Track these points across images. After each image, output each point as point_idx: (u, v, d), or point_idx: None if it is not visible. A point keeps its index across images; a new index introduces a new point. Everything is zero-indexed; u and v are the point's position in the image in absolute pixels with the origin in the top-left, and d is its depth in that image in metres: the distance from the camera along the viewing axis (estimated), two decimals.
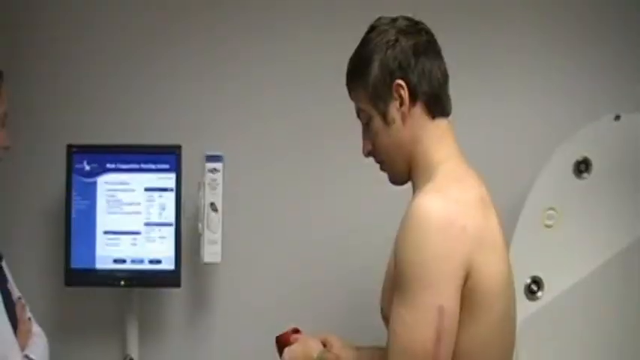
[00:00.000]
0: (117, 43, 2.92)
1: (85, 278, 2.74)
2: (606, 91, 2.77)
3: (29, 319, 2.13)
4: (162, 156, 2.76)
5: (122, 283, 2.73)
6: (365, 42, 1.81)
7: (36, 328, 2.13)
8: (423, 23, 1.82)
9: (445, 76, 1.81)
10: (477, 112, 2.79)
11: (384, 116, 1.76)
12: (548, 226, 2.47)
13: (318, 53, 2.82)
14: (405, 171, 1.78)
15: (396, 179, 1.81)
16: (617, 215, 2.45)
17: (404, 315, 1.58)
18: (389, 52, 1.75)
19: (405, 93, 1.73)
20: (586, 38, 2.83)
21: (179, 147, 2.75)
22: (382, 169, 1.85)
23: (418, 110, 1.75)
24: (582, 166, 2.48)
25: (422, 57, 1.76)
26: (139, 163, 2.75)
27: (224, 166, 2.74)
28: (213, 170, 2.73)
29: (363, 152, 1.84)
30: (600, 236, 2.45)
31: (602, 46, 2.81)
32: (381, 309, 1.85)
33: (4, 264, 2.12)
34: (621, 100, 2.70)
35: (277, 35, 2.90)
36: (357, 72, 1.80)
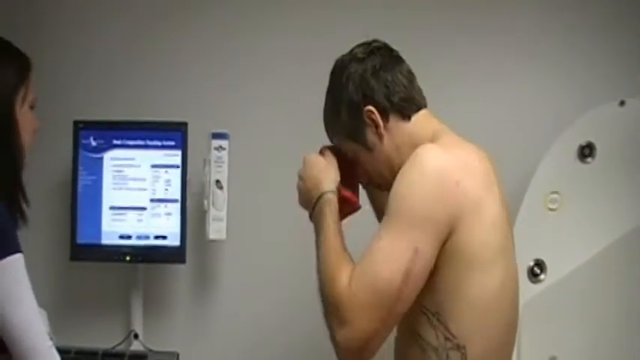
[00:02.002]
0: (125, 21, 2.92)
1: (91, 253, 2.76)
2: (612, 76, 2.77)
3: None
4: (169, 133, 2.76)
5: (127, 258, 2.75)
6: (330, 87, 1.96)
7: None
8: (376, 41, 1.91)
9: (410, 75, 1.89)
10: (482, 96, 2.80)
11: (365, 144, 1.84)
12: (551, 210, 2.48)
13: (327, 32, 2.82)
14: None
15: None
16: (621, 200, 2.46)
17: (384, 238, 1.65)
18: (350, 86, 1.86)
19: (376, 116, 1.82)
20: (592, 24, 2.82)
21: (185, 124, 2.76)
22: (378, 184, 1.93)
23: (393, 122, 1.83)
24: (586, 151, 2.49)
25: (381, 73, 1.84)
26: (145, 139, 2.76)
27: (230, 144, 2.75)
28: (219, 148, 2.74)
29: (363, 185, 1.97)
30: (603, 220, 2.46)
31: (608, 32, 2.80)
32: None
33: None
34: (626, 86, 2.70)
35: (285, 13, 2.90)
36: (331, 121, 1.95)
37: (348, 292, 1.63)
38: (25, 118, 1.95)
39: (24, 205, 2.01)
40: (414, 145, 1.76)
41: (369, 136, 1.83)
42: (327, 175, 1.90)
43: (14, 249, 1.78)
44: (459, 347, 1.67)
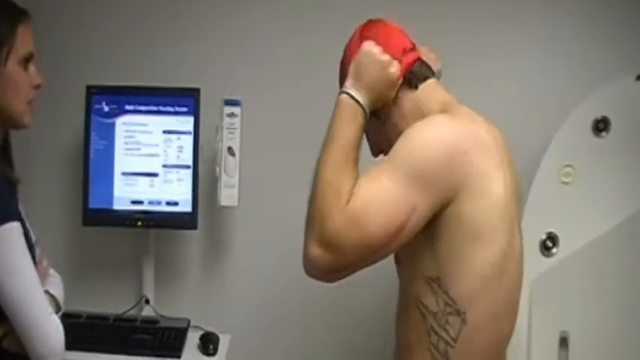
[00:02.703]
0: None
1: (103, 218, 2.77)
2: (628, 51, 2.73)
3: None
4: (181, 99, 2.75)
5: (139, 224, 2.76)
6: (343, 56, 1.95)
7: (53, 272, 2.15)
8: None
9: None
10: (497, 69, 2.78)
11: (374, 112, 1.82)
12: (565, 183, 2.47)
13: (345, 2, 2.80)
14: None
15: None
16: (634, 175, 2.44)
17: (388, 182, 1.63)
18: None
19: None
20: None
21: (198, 90, 2.75)
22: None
23: (400, 91, 1.83)
24: (601, 125, 2.47)
25: None
26: (157, 105, 2.75)
27: (242, 111, 2.74)
28: (231, 114, 2.73)
29: (374, 155, 1.93)
30: (617, 195, 2.45)
31: (626, 6, 2.76)
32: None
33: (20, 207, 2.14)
34: None
35: None
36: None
37: (342, 219, 1.61)
38: (14, 74, 1.89)
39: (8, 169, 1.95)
40: (422, 114, 1.77)
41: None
42: (364, 74, 1.79)
43: (6, 218, 1.78)
44: (458, 312, 1.68)
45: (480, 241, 1.66)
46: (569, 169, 2.47)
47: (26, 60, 1.91)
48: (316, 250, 1.64)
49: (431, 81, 1.85)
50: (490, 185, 1.67)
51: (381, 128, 1.86)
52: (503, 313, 1.77)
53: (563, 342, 2.42)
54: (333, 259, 1.63)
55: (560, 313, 2.42)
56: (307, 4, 2.86)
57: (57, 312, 1.95)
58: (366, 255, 1.64)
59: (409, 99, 1.82)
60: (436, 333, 1.71)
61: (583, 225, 2.44)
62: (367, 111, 1.77)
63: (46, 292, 1.96)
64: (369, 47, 1.80)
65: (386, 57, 1.79)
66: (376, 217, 1.61)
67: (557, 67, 2.78)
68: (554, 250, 2.47)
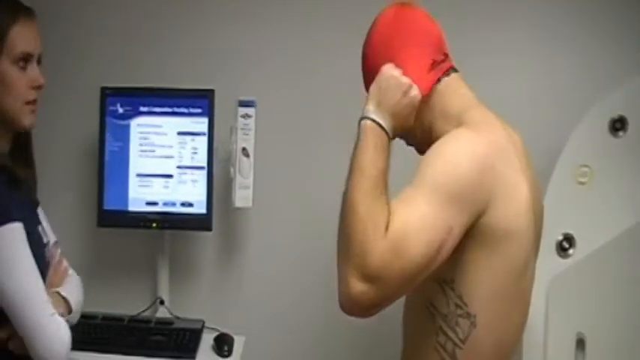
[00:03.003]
0: None
1: (118, 220, 2.77)
2: None
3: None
4: (196, 100, 2.75)
5: (154, 225, 2.76)
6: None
7: (73, 275, 2.15)
8: None
9: None
10: (514, 68, 2.76)
11: None
12: (581, 183, 2.46)
13: (359, 1, 2.79)
14: (427, 138, 1.80)
15: (422, 145, 1.81)
16: None
17: (424, 206, 1.59)
18: None
19: None
20: None
21: (212, 91, 2.74)
22: (409, 144, 1.91)
23: None
24: (618, 124, 2.45)
25: None
26: (172, 106, 2.75)
27: (256, 112, 2.73)
28: (246, 115, 2.72)
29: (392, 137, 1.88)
30: (634, 195, 2.42)
31: None
32: None
33: (39, 210, 2.13)
34: None
35: None
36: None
37: (384, 251, 1.55)
38: (7, 73, 1.88)
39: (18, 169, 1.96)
40: (443, 106, 1.78)
41: None
42: (385, 98, 1.75)
43: (5, 219, 1.77)
44: (469, 315, 1.68)
45: (504, 248, 1.66)
46: (585, 169, 2.45)
47: (23, 59, 1.89)
48: (360, 287, 1.56)
49: (454, 75, 1.84)
50: (514, 193, 1.66)
51: None
52: (516, 316, 1.77)
53: (580, 343, 2.40)
54: (379, 293, 1.56)
55: (577, 315, 2.40)
56: (321, 5, 2.85)
57: (68, 313, 1.95)
58: (408, 282, 1.59)
59: (434, 92, 1.80)
60: (444, 333, 1.70)
61: (600, 225, 2.42)
62: (391, 135, 1.73)
63: (57, 293, 1.97)
64: (390, 71, 1.77)
65: (406, 81, 1.75)
66: (417, 244, 1.56)
67: (574, 66, 2.76)
68: (570, 251, 2.45)
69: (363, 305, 1.59)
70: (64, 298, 1.97)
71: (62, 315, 1.90)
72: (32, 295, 1.79)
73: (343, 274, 1.60)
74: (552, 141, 2.51)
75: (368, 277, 1.56)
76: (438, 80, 1.80)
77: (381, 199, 1.62)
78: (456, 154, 1.65)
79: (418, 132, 1.82)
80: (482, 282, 1.67)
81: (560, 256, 2.44)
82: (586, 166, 2.45)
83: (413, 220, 1.59)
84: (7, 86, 1.87)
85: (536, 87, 2.78)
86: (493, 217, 1.63)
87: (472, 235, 1.64)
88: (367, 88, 1.83)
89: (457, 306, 1.68)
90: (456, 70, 1.85)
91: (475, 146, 1.66)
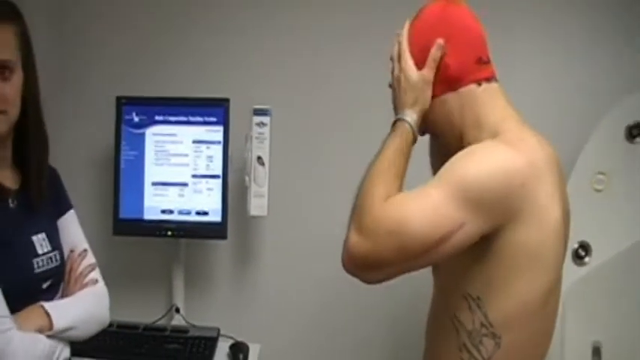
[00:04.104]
0: None
1: (133, 228, 2.78)
2: None
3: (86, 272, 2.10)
4: (211, 109, 2.76)
5: (169, 233, 2.77)
6: None
7: (92, 286, 2.09)
8: None
9: None
10: (529, 74, 2.75)
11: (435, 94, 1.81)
12: (597, 191, 2.44)
13: (369, 9, 2.79)
14: (457, 144, 1.77)
15: (451, 150, 1.78)
16: None
17: (438, 197, 1.61)
18: None
19: None
20: None
21: (227, 100, 2.75)
22: (435, 134, 1.89)
23: (466, 87, 1.79)
24: (634, 131, 2.44)
25: None
26: (187, 115, 2.76)
27: (271, 120, 2.73)
28: (261, 124, 2.73)
29: (419, 132, 1.87)
30: None
31: None
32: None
33: (66, 217, 2.12)
34: None
35: None
36: None
37: (381, 209, 1.63)
38: None
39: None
40: (477, 115, 1.75)
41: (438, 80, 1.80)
42: (416, 96, 1.82)
43: None
44: (494, 336, 1.65)
45: (530, 271, 1.64)
46: (601, 177, 2.44)
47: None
48: (355, 238, 1.64)
49: (495, 84, 1.81)
50: (544, 216, 1.63)
51: (432, 107, 1.82)
52: (540, 341, 1.74)
53: (596, 352, 2.39)
54: (369, 249, 1.61)
55: (593, 323, 2.39)
56: (335, 14, 2.85)
57: (49, 329, 1.86)
58: (403, 256, 1.61)
59: (470, 91, 1.78)
60: (468, 350, 1.68)
61: (616, 233, 2.41)
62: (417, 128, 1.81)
63: (41, 307, 1.88)
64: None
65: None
66: (417, 220, 1.59)
67: (589, 73, 2.75)
68: (586, 259, 2.44)
69: (357, 258, 1.65)
70: (46, 312, 1.88)
71: (40, 330, 1.83)
72: None
73: (348, 229, 1.68)
74: (568, 148, 2.49)
75: (361, 230, 1.63)
76: (479, 84, 1.78)
77: (395, 178, 1.71)
78: (489, 164, 1.63)
79: (448, 135, 1.80)
80: (508, 304, 1.64)
81: (576, 264, 2.43)
82: (602, 173, 2.44)
83: (419, 200, 1.62)
84: None
85: (552, 94, 2.77)
86: (516, 236, 1.61)
87: (494, 250, 1.62)
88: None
89: (482, 325, 1.66)
90: (496, 80, 1.82)
91: (510, 162, 1.62)
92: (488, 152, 1.66)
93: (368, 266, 1.65)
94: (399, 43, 1.86)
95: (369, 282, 1.70)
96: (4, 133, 1.88)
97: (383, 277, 1.68)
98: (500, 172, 1.61)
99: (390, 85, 1.89)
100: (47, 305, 1.90)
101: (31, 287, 1.92)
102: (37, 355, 1.80)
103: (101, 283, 2.12)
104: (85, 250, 2.13)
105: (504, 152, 1.64)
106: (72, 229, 2.12)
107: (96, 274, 2.12)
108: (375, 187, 1.68)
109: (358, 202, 1.69)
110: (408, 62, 1.82)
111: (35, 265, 1.93)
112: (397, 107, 1.85)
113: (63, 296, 2.02)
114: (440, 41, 1.77)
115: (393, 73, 1.87)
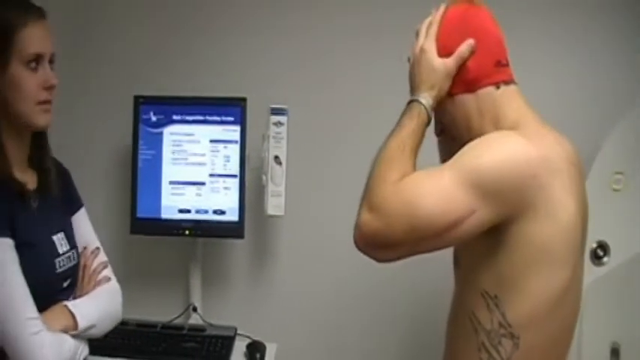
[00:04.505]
0: None
1: (150, 227, 2.79)
2: None
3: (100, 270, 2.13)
4: (228, 108, 2.76)
5: (186, 232, 2.77)
6: None
7: (107, 283, 2.11)
8: None
9: None
10: (548, 74, 2.74)
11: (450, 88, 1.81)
12: (615, 190, 2.43)
13: (385, 9, 2.79)
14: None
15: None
16: None
17: (449, 181, 1.61)
18: None
19: None
20: None
21: (244, 99, 2.75)
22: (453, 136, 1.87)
23: (484, 89, 1.79)
24: None
25: None
26: (204, 115, 2.77)
27: (288, 119, 2.73)
28: (278, 123, 2.73)
29: (436, 132, 1.89)
30: None
31: None
32: (454, 249, 1.88)
33: (79, 214, 2.13)
34: None
35: None
36: None
37: (394, 189, 1.64)
38: (18, 75, 1.85)
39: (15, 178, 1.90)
40: (496, 116, 1.75)
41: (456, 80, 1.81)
42: (435, 82, 1.81)
43: None
44: (512, 336, 1.65)
45: (544, 267, 1.63)
46: (619, 177, 2.43)
47: (34, 61, 1.86)
48: (365, 215, 1.66)
49: (513, 87, 1.81)
50: (559, 212, 1.62)
51: (450, 108, 1.83)
52: (558, 342, 1.73)
53: (614, 353, 2.38)
54: (379, 227, 1.63)
55: (612, 323, 2.38)
56: (352, 13, 2.85)
57: (74, 328, 1.90)
58: (413, 237, 1.62)
59: (490, 97, 1.78)
60: (487, 351, 1.68)
61: (634, 233, 2.39)
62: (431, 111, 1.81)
63: (65, 306, 1.92)
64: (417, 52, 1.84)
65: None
66: (428, 203, 1.60)
67: (607, 72, 2.74)
68: (605, 259, 2.43)
69: (367, 236, 1.66)
70: (70, 312, 1.92)
71: (65, 330, 1.87)
72: (12, 313, 1.75)
73: (359, 207, 1.70)
74: (586, 148, 2.46)
75: (372, 208, 1.65)
76: (497, 86, 1.78)
77: (408, 159, 1.71)
78: (502, 153, 1.63)
79: (466, 137, 1.76)
80: (524, 303, 1.63)
81: (595, 264, 2.42)
82: (620, 172, 2.43)
83: (430, 182, 1.63)
84: (18, 88, 1.85)
85: (570, 94, 2.76)
86: (528, 230, 1.60)
87: (507, 244, 1.62)
88: None
89: (501, 325, 1.65)
90: (515, 82, 1.82)
91: (521, 153, 1.62)
92: (503, 141, 1.66)
93: (378, 244, 1.66)
94: (430, 23, 1.85)
95: (380, 260, 1.71)
96: (49, 125, 1.94)
97: (394, 256, 1.69)
98: (512, 161, 1.61)
99: (409, 60, 1.88)
100: (70, 305, 1.93)
101: (53, 287, 1.95)
102: (64, 355, 1.83)
103: (114, 280, 2.15)
104: (98, 248, 2.16)
105: (518, 143, 1.64)
106: (84, 226, 2.14)
107: (108, 271, 2.15)
108: (389, 167, 1.69)
109: (371, 182, 1.70)
110: (433, 46, 1.81)
111: (57, 265, 1.96)
112: (413, 86, 1.84)
113: (76, 294, 2.03)
114: (471, 41, 1.77)
115: (414, 48, 1.86)
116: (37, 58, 1.87)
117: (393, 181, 1.65)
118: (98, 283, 2.08)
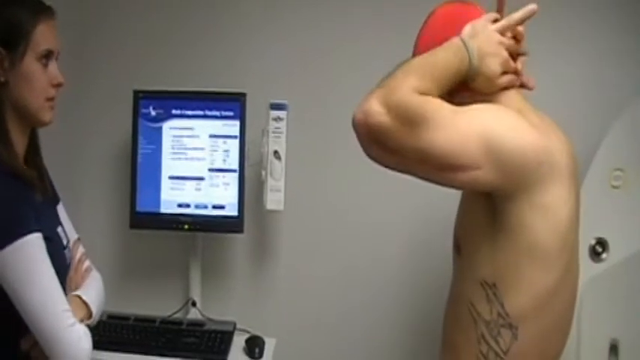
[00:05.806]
0: None
1: (150, 222, 2.79)
2: None
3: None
4: (227, 103, 2.76)
5: (186, 227, 2.77)
6: None
7: (94, 273, 2.14)
8: None
9: None
10: (547, 71, 2.73)
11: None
12: (615, 187, 2.43)
13: (386, 5, 2.79)
14: None
15: None
16: None
17: (464, 126, 1.59)
18: None
19: None
20: None
21: (244, 95, 2.75)
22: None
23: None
24: None
25: None
26: (204, 109, 2.77)
27: (288, 115, 2.73)
28: (277, 119, 2.73)
29: None
30: None
31: None
32: (454, 236, 1.86)
33: (59, 207, 2.14)
34: None
35: None
36: None
37: (414, 97, 1.59)
38: (31, 70, 1.88)
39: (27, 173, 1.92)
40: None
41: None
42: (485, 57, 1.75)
43: (20, 232, 1.76)
44: (511, 327, 1.66)
45: (539, 263, 1.63)
46: (619, 173, 2.42)
47: (45, 57, 1.89)
48: (375, 105, 1.60)
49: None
50: (557, 208, 1.63)
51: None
52: (553, 335, 1.74)
53: (613, 349, 2.38)
54: (388, 126, 1.58)
55: (610, 320, 2.38)
56: (353, 9, 2.85)
57: (89, 318, 1.94)
58: (415, 156, 1.60)
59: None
60: (487, 342, 1.68)
61: (633, 230, 2.39)
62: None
63: (79, 297, 1.96)
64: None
65: (505, 55, 1.79)
66: (444, 133, 1.57)
67: (607, 68, 2.74)
68: (603, 256, 2.42)
69: (372, 125, 1.61)
70: (84, 302, 1.96)
71: (82, 320, 1.89)
72: (51, 306, 1.78)
73: (370, 94, 1.65)
74: (586, 144, 2.47)
75: (385, 103, 1.59)
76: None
77: (433, 83, 1.65)
78: (516, 132, 1.62)
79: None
80: (521, 293, 1.64)
81: (594, 260, 2.42)
82: (620, 169, 2.43)
83: (452, 117, 1.60)
84: (30, 82, 1.87)
85: (569, 90, 2.76)
86: (525, 216, 1.60)
87: (511, 234, 1.62)
88: None
89: (499, 315, 1.66)
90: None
91: (532, 137, 1.61)
92: (521, 122, 1.64)
93: (378, 140, 1.62)
94: (512, 18, 1.83)
95: (369, 155, 1.67)
96: (52, 122, 1.96)
97: (385, 161, 1.66)
98: (528, 143, 1.60)
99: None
100: (83, 295, 1.98)
101: (64, 278, 1.97)
102: (89, 346, 1.85)
103: (95, 270, 2.16)
104: (79, 239, 2.17)
105: (528, 129, 1.63)
106: (65, 219, 2.15)
107: (88, 261, 2.16)
108: (413, 74, 1.64)
109: (390, 80, 1.65)
110: (495, 30, 1.78)
111: (67, 257, 2.00)
112: (467, 36, 1.76)
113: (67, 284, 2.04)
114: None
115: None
116: (48, 54, 1.90)
117: (414, 89, 1.60)
118: (85, 273, 2.10)
